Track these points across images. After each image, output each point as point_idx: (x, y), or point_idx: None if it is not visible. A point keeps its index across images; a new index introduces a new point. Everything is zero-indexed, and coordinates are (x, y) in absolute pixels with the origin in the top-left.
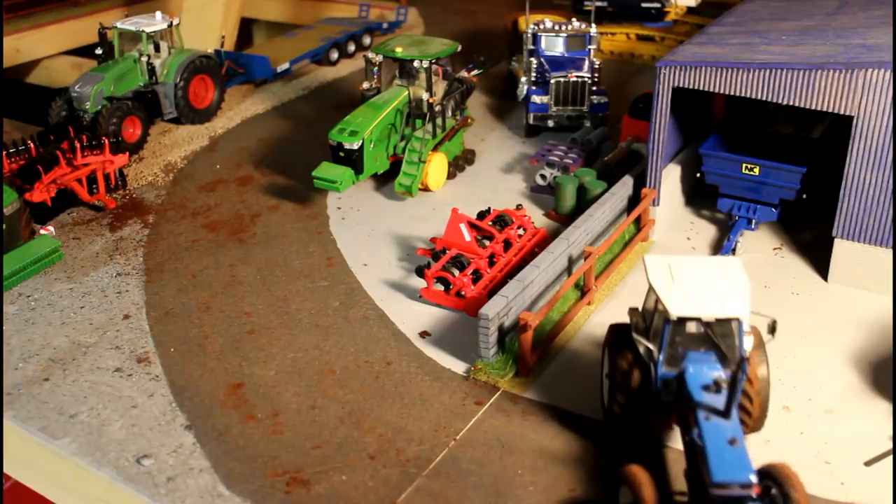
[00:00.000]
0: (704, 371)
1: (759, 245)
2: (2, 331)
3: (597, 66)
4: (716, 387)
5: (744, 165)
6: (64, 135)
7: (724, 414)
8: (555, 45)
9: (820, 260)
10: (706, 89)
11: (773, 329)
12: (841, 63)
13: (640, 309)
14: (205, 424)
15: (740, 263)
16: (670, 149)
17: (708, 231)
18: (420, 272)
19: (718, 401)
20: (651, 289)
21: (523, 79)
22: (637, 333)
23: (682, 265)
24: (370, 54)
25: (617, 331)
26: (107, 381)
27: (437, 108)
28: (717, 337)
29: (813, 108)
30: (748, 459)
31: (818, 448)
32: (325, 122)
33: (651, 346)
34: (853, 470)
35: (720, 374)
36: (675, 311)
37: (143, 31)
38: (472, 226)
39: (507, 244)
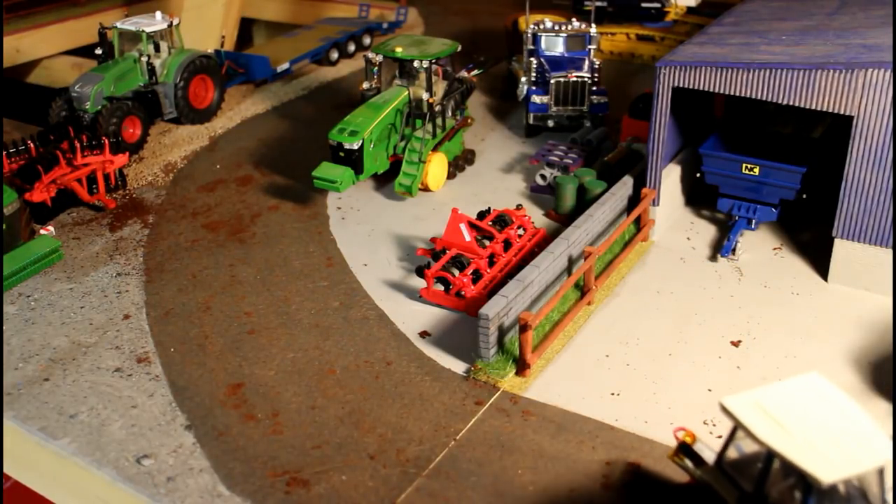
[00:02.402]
0: None
1: (759, 245)
2: (2, 331)
3: (597, 66)
4: None
5: (744, 165)
6: (64, 135)
7: None
8: (555, 45)
9: (820, 260)
10: (706, 89)
11: None
12: (841, 63)
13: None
14: (205, 424)
15: (825, 381)
16: (670, 149)
17: (708, 231)
18: (420, 272)
19: None
20: (765, 446)
21: (523, 79)
22: None
23: (777, 403)
24: (370, 54)
25: None
26: (107, 381)
27: (437, 108)
28: (853, 488)
29: (813, 108)
30: None
31: None
32: (325, 122)
33: None
34: None
35: None
36: (825, 477)
37: (143, 31)
38: (472, 226)
39: (507, 244)
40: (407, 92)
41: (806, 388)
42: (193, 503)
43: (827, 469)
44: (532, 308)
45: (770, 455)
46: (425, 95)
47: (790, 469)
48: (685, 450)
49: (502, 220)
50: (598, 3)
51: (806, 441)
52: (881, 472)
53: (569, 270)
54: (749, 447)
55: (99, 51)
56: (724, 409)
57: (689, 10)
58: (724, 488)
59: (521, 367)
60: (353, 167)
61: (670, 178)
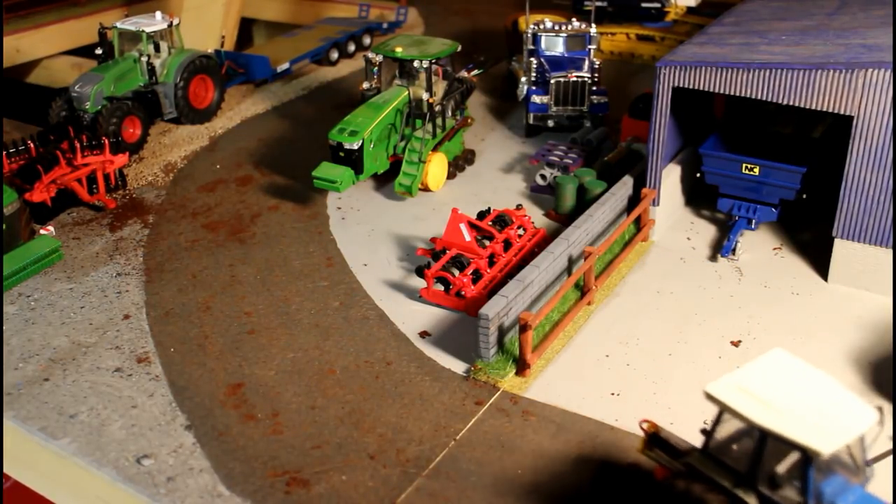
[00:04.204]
0: (861, 501)
1: (759, 245)
2: (2, 331)
3: (597, 66)
4: None
5: (744, 165)
6: (64, 135)
7: None
8: (555, 45)
9: (820, 260)
10: (706, 89)
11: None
12: (841, 63)
13: (696, 460)
14: (205, 424)
15: (790, 355)
16: (670, 149)
17: (708, 231)
18: (420, 272)
19: None
20: (760, 427)
21: (523, 79)
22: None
23: (757, 383)
24: (370, 54)
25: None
26: (107, 381)
27: (437, 108)
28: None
29: (813, 108)
30: None
31: None
32: (325, 122)
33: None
34: None
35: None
36: (824, 448)
37: (143, 31)
38: (472, 226)
39: (507, 244)
40: (407, 92)
41: (777, 364)
42: (193, 503)
43: (824, 440)
44: (532, 308)
45: (763, 434)
46: (425, 95)
47: (787, 445)
48: (656, 441)
49: (502, 220)
50: (598, 3)
51: (796, 416)
52: (863, 438)
53: (569, 270)
54: (726, 430)
55: (99, 51)
56: (710, 397)
57: (689, 10)
58: (717, 472)
59: (521, 367)
60: (353, 167)
61: (670, 178)
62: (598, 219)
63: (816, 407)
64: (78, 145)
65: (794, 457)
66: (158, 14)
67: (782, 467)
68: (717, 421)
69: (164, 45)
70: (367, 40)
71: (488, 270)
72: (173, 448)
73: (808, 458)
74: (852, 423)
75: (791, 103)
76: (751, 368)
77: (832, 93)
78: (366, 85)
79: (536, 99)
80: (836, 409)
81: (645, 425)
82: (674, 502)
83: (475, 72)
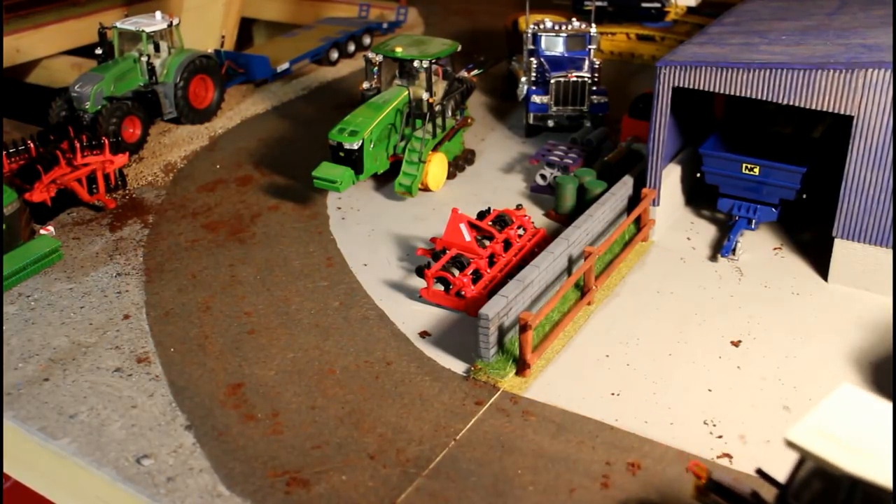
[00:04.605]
0: None
1: (759, 245)
2: (2, 331)
3: (597, 66)
4: None
5: (744, 165)
6: (64, 135)
7: None
8: (555, 45)
9: (820, 260)
10: (706, 89)
11: None
12: (841, 63)
13: None
14: (205, 424)
15: (858, 390)
16: (670, 149)
17: (708, 231)
18: (420, 272)
19: None
20: (852, 475)
21: (523, 79)
22: None
23: (837, 426)
24: (370, 54)
25: None
26: (107, 381)
27: (437, 108)
28: None
29: (813, 108)
30: None
31: None
32: (325, 122)
33: None
34: None
35: None
36: None
37: (143, 31)
38: (472, 226)
39: (507, 244)
40: (407, 92)
41: (849, 402)
42: (193, 503)
43: None
44: (532, 308)
45: (854, 482)
46: (425, 95)
47: (880, 493)
48: (715, 488)
49: (502, 220)
50: (598, 3)
51: (883, 459)
52: None
53: (569, 270)
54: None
55: (99, 51)
56: (793, 445)
57: (689, 10)
58: None
59: (521, 367)
60: (353, 167)
61: (670, 178)
62: (598, 219)
63: None
64: (78, 145)
65: (886, 501)
66: (158, 14)
67: None
68: (798, 470)
69: (164, 45)
70: (367, 40)
71: (488, 270)
72: (173, 448)
73: None
74: None
75: (791, 103)
76: (826, 408)
77: (832, 93)
78: (366, 85)
79: (536, 99)
80: None
81: (696, 469)
82: None
83: (475, 72)
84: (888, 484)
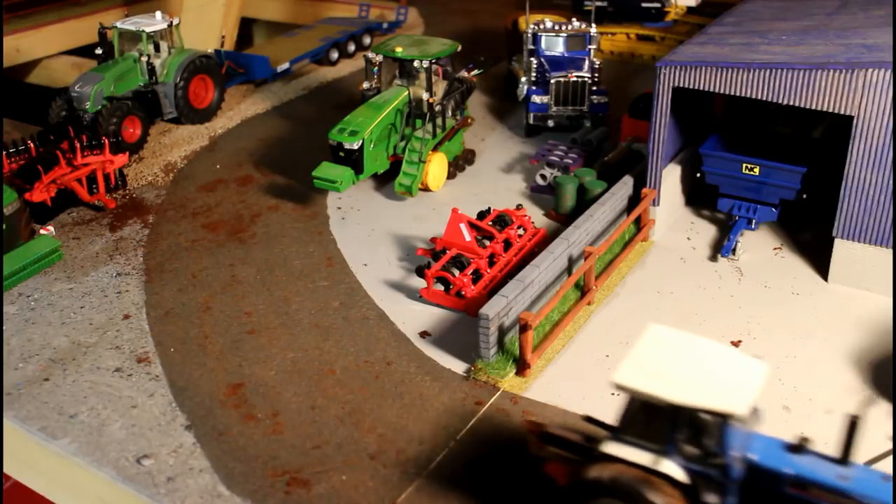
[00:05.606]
0: (767, 445)
1: (759, 245)
2: (2, 331)
3: (597, 66)
4: (800, 447)
5: (744, 165)
6: (64, 135)
7: (844, 460)
8: (555, 45)
9: (820, 260)
10: (706, 89)
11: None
12: (841, 63)
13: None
14: (205, 424)
15: (668, 328)
16: (670, 149)
17: (708, 231)
18: (420, 272)
19: (816, 458)
20: (675, 404)
21: (523, 79)
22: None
23: (655, 363)
24: (370, 54)
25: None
26: (107, 381)
27: (437, 108)
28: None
29: (813, 108)
30: None
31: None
32: (325, 122)
33: (718, 461)
34: None
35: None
36: (739, 409)
37: (143, 31)
38: (472, 226)
39: (507, 244)
40: (407, 92)
41: (660, 341)
42: (193, 503)
43: (735, 401)
44: (532, 308)
45: (677, 409)
46: (425, 95)
47: (703, 414)
48: (550, 439)
49: (502, 220)
50: (598, 3)
51: (701, 385)
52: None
53: (569, 270)
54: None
55: (99, 51)
56: (620, 387)
57: (689, 10)
58: (632, 454)
59: (522, 367)
60: (353, 167)
61: (670, 178)
62: (598, 219)
63: (714, 371)
64: (78, 145)
65: (707, 422)
66: (158, 14)
67: (697, 434)
68: (628, 406)
69: (164, 45)
70: (367, 40)
71: (488, 270)
72: (173, 448)
73: (725, 421)
74: (751, 379)
75: (791, 103)
76: (640, 349)
77: (832, 93)
78: (366, 85)
79: (536, 99)
80: (731, 370)
81: (530, 424)
82: (587, 493)
83: (475, 72)
84: (704, 405)
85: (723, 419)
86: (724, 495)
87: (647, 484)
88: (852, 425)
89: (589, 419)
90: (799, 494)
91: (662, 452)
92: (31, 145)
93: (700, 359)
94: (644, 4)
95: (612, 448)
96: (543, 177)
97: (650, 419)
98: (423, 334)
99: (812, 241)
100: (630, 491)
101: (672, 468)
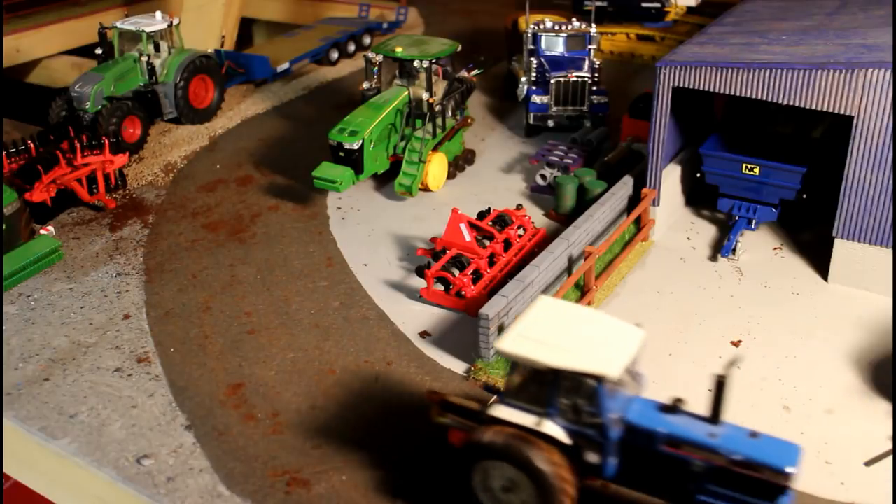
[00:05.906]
0: (644, 407)
1: (759, 245)
2: (2, 331)
3: (597, 66)
4: (674, 407)
5: (744, 165)
6: (64, 135)
7: (714, 419)
8: (555, 45)
9: (820, 260)
10: (706, 89)
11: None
12: (841, 63)
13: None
14: (205, 424)
15: (554, 300)
16: (670, 149)
17: (708, 231)
18: (420, 272)
19: (688, 418)
20: (554, 368)
21: (523, 79)
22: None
23: (538, 331)
24: (370, 54)
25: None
26: (107, 381)
27: (437, 108)
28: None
29: (813, 108)
30: (778, 438)
31: (818, 448)
32: (325, 122)
33: (597, 423)
34: (853, 470)
35: (646, 401)
36: (612, 371)
37: (143, 31)
38: (472, 226)
39: (507, 244)
40: (407, 92)
41: (547, 311)
42: (193, 503)
43: (610, 365)
44: None
45: (557, 373)
46: (425, 95)
47: (579, 377)
48: (449, 407)
49: (502, 220)
50: (598, 3)
51: (579, 351)
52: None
53: (569, 270)
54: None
55: (99, 51)
56: (503, 352)
57: (689, 10)
58: (518, 417)
59: None
60: (353, 167)
61: (670, 178)
62: (598, 219)
63: (593, 338)
64: (78, 145)
65: (585, 385)
66: (158, 14)
67: (576, 397)
68: (511, 371)
69: (164, 45)
70: (367, 40)
71: (488, 270)
72: (173, 448)
73: (600, 383)
74: (626, 344)
75: (791, 103)
76: (527, 319)
77: (832, 93)
78: (366, 85)
79: (536, 99)
80: (609, 336)
81: (431, 395)
82: (476, 455)
83: (475, 72)
84: (579, 368)
85: (598, 381)
86: (603, 455)
87: (529, 444)
88: (719, 385)
89: (487, 387)
90: (673, 453)
91: (545, 415)
92: (31, 145)
93: (581, 326)
94: (644, 4)
95: (499, 411)
96: (543, 177)
97: (537, 384)
98: (423, 334)
99: (812, 241)
100: (512, 451)
101: (554, 429)
